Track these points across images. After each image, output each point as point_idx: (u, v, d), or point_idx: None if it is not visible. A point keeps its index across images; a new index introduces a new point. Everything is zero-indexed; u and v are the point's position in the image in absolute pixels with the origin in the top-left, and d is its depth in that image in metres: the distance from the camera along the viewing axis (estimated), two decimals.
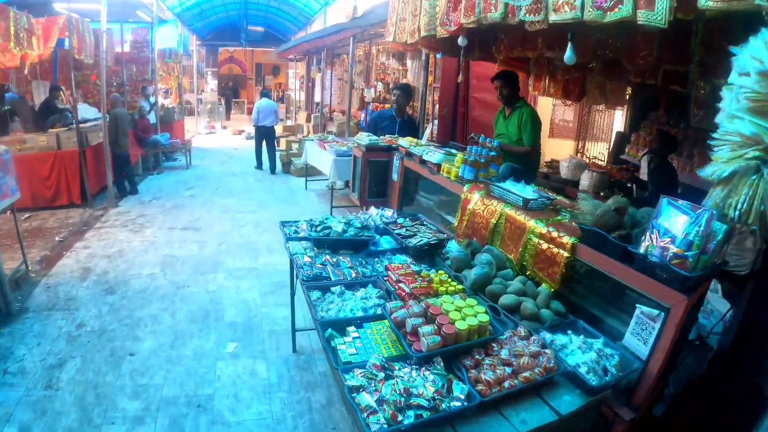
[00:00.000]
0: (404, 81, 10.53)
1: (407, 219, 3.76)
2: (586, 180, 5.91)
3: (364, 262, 3.12)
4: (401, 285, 2.62)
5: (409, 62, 10.46)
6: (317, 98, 16.66)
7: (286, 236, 3.54)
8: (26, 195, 7.32)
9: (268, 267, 5.82)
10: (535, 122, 4.59)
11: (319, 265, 3.02)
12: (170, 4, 13.53)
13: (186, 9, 14.91)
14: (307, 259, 3.10)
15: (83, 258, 5.98)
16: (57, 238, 6.73)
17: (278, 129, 16.47)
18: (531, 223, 2.83)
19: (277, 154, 11.49)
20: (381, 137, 5.62)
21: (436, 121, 6.40)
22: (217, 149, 14.75)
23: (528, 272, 2.85)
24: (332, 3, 14.13)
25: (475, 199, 3.34)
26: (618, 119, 8.42)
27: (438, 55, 8.77)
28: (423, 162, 4.51)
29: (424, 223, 3.75)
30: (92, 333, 4.20)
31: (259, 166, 11.66)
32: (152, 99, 12.34)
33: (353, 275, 2.91)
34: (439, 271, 2.84)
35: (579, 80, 6.03)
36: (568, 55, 3.22)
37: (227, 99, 24.12)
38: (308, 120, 15.43)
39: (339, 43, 12.17)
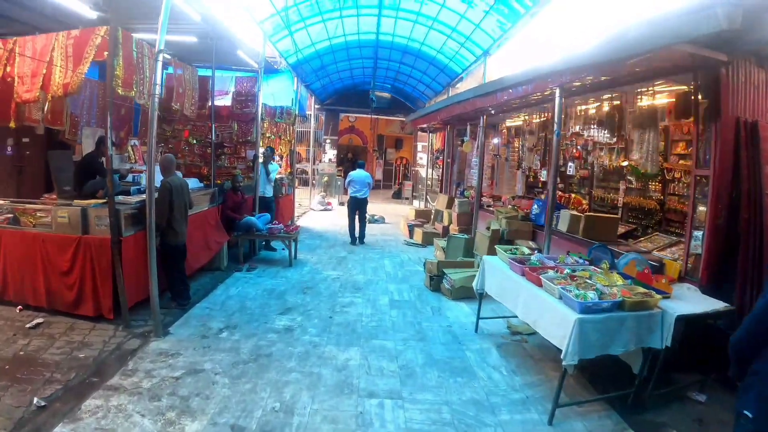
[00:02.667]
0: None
1: None
2: None
3: None
4: None
5: (636, 134, 6.25)
6: (457, 177, 12.93)
7: None
8: (41, 289, 5.27)
9: None
10: None
11: None
12: (283, 49, 10.71)
13: (303, 60, 12.03)
14: None
15: None
16: (35, 402, 3.66)
17: (410, 213, 12.93)
18: None
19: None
20: None
21: None
22: (333, 235, 11.27)
23: None
24: (493, 52, 10.55)
25: None
26: None
27: None
28: None
29: None
30: None
31: (353, 241, 10.34)
32: (274, 169, 9.33)
33: None
34: None
35: None
36: None
37: (345, 171, 21.35)
38: (449, 206, 11.63)
39: (516, 102, 8.40)
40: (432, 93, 16.53)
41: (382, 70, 15.59)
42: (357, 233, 10.27)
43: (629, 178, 7.58)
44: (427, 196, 15.80)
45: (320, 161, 20.04)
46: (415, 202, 18.52)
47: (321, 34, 11.37)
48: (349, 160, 23.80)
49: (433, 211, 12.63)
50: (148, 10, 5.24)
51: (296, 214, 13.40)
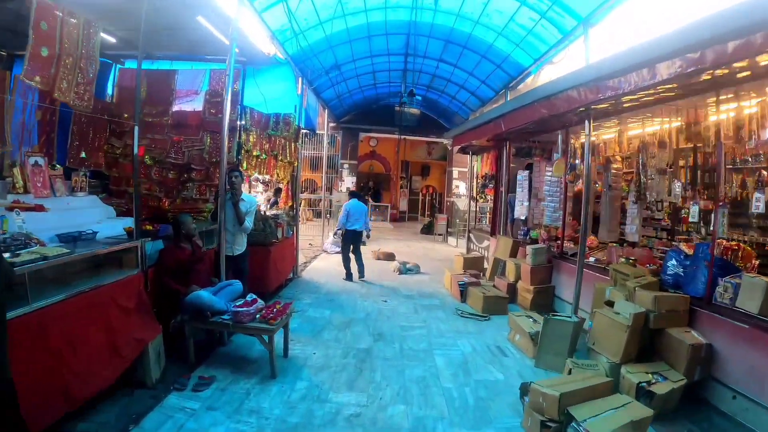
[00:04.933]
0: None
1: None
2: None
3: None
4: None
5: None
6: (519, 213, 9.42)
7: None
8: None
9: None
10: None
11: None
12: (276, 27, 7.18)
13: (309, 50, 8.48)
14: None
15: None
16: None
17: (456, 263, 9.45)
18: None
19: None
20: None
21: None
22: (351, 296, 7.69)
23: None
24: (599, 20, 6.97)
25: None
26: None
27: None
28: None
29: None
30: None
31: (349, 278, 9.05)
32: (249, 204, 5.87)
33: None
34: None
35: None
36: None
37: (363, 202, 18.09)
38: (514, 253, 8.19)
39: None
40: (476, 103, 13.17)
41: (413, 73, 12.28)
42: (356, 269, 9.14)
43: None
44: (470, 235, 12.30)
45: (338, 190, 16.78)
46: (450, 240, 15.06)
47: (330, 2, 7.77)
48: (369, 189, 20.62)
49: (487, 260, 9.16)
50: None
51: (303, 260, 10.01)
